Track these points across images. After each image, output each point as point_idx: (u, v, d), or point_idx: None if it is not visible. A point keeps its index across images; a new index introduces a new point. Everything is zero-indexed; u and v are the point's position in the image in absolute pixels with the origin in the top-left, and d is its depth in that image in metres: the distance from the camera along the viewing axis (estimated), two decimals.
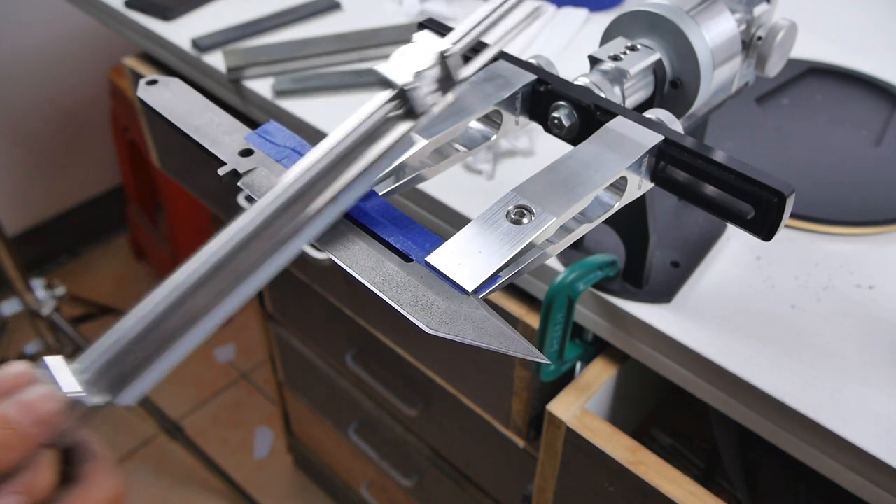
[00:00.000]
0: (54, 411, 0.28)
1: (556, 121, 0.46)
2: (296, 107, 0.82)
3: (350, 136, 0.35)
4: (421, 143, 0.40)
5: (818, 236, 0.67)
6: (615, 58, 0.49)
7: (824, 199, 0.69)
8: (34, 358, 1.63)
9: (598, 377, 0.66)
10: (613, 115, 0.43)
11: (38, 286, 1.55)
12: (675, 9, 0.50)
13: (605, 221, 0.43)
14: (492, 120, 0.47)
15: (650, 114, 0.44)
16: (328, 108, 0.82)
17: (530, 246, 0.35)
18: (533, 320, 0.69)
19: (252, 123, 0.51)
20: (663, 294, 0.61)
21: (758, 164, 0.39)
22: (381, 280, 0.33)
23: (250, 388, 1.78)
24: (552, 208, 0.36)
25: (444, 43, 0.35)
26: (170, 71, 0.99)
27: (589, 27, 0.95)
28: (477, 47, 0.37)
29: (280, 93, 0.83)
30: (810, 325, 0.59)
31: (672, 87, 0.52)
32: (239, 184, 0.39)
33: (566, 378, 0.68)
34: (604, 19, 0.80)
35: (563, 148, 0.43)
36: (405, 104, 0.35)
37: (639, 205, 0.56)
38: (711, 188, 0.41)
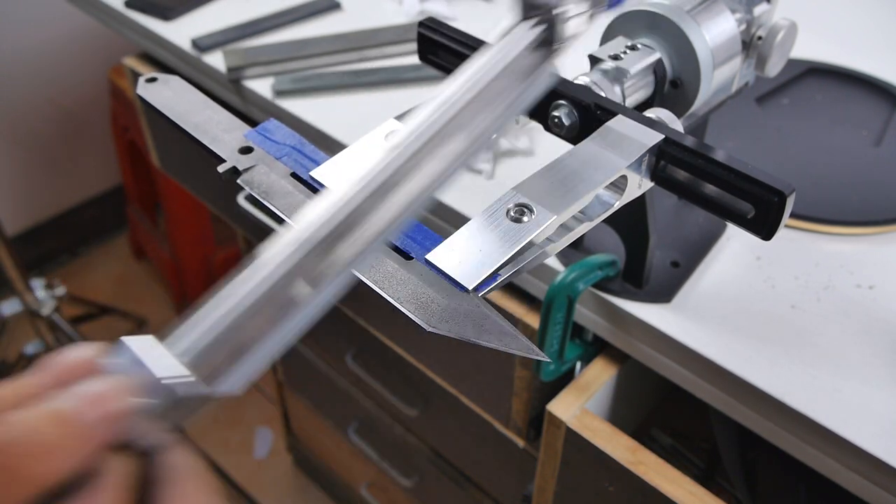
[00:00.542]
0: (126, 404, 0.22)
1: (556, 120, 0.46)
2: (296, 107, 0.82)
3: (496, 66, 0.33)
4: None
5: (818, 236, 0.67)
6: (615, 57, 0.49)
7: (824, 199, 0.69)
8: (33, 358, 1.63)
9: (598, 377, 0.66)
10: (613, 114, 0.43)
11: (38, 286, 1.55)
12: (676, 8, 0.50)
13: (605, 221, 0.43)
14: None
15: (650, 113, 0.44)
16: (328, 108, 0.82)
17: (530, 244, 0.35)
18: (533, 320, 0.69)
19: (252, 123, 0.51)
20: (663, 294, 0.61)
21: (758, 164, 0.39)
22: (381, 277, 0.33)
23: (250, 388, 1.78)
24: (552, 207, 0.36)
25: None
26: (170, 71, 0.99)
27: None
28: None
29: (280, 93, 0.83)
30: (810, 325, 0.59)
31: (672, 87, 0.52)
32: (238, 181, 0.39)
33: (566, 378, 0.68)
34: (604, 19, 0.79)
35: (564, 147, 0.43)
36: (548, 33, 0.33)
37: (639, 204, 0.56)
38: (711, 187, 0.41)
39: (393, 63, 0.88)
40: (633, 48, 0.50)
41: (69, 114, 1.86)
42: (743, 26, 0.55)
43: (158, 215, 1.92)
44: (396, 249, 0.35)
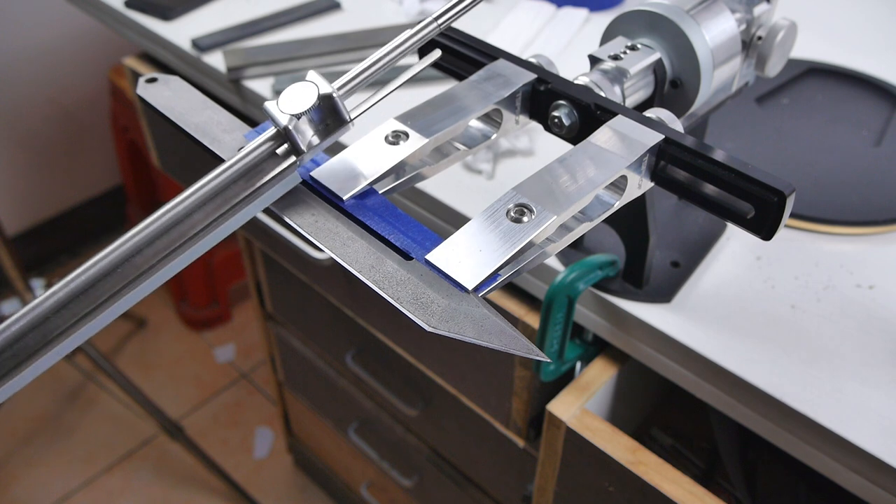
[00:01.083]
0: None
1: (556, 120, 0.46)
2: None
3: (230, 170, 0.35)
4: (421, 141, 0.40)
5: (818, 236, 0.67)
6: (615, 57, 0.49)
7: (824, 199, 0.69)
8: None
9: (598, 377, 0.66)
10: (613, 115, 0.43)
11: (38, 286, 1.55)
12: (676, 8, 0.50)
13: (605, 221, 0.43)
14: (492, 119, 0.47)
15: (650, 113, 0.44)
16: None
17: (530, 244, 0.35)
18: (533, 320, 0.69)
19: (252, 123, 0.51)
20: (663, 294, 0.61)
21: (758, 164, 0.39)
22: (382, 278, 0.33)
23: (250, 388, 1.78)
24: (552, 207, 0.36)
25: (329, 86, 0.36)
26: (170, 71, 0.99)
27: (589, 27, 0.95)
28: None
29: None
30: (810, 325, 0.59)
31: (672, 87, 0.52)
32: None
33: (566, 378, 0.68)
34: (604, 19, 0.80)
35: (564, 147, 0.43)
36: (287, 142, 0.36)
37: (639, 204, 0.56)
38: (711, 188, 0.41)
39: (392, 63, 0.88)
40: (633, 48, 0.50)
41: (69, 114, 1.86)
42: (743, 26, 0.55)
43: None
44: (396, 250, 0.35)
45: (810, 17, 0.93)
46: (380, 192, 0.40)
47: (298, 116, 0.35)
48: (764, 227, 0.40)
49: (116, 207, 2.04)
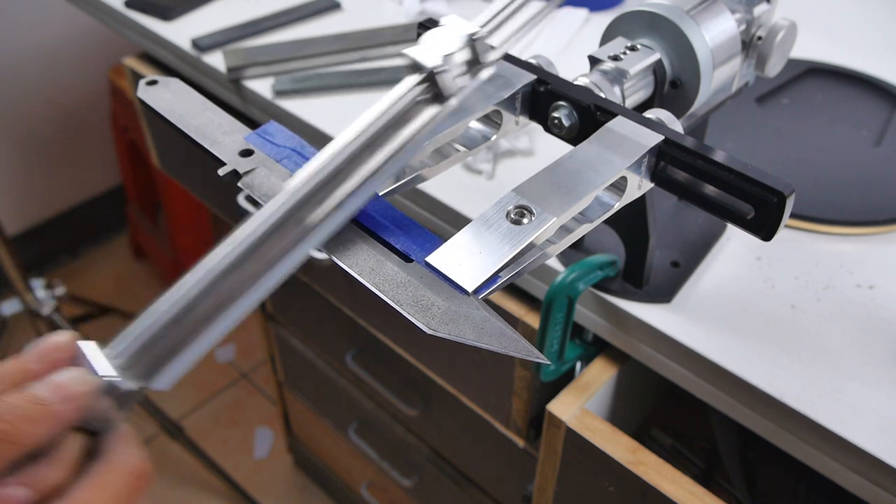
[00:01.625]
0: (85, 392, 0.29)
1: (556, 121, 0.46)
2: (296, 107, 0.82)
3: (379, 120, 0.35)
4: None
5: (818, 236, 0.67)
6: (615, 58, 0.49)
7: (824, 199, 0.69)
8: None
9: (598, 377, 0.66)
10: (613, 115, 0.43)
11: (38, 286, 1.55)
12: (675, 9, 0.50)
13: (605, 221, 0.43)
14: (492, 120, 0.47)
15: (650, 114, 0.44)
16: (328, 108, 0.82)
17: (530, 246, 0.35)
18: (533, 320, 0.69)
19: (252, 123, 0.51)
20: (663, 294, 0.61)
21: (758, 164, 0.39)
22: (382, 280, 0.33)
23: (250, 388, 1.78)
24: (552, 208, 0.36)
25: (473, 26, 0.36)
26: (170, 71, 0.99)
27: (589, 27, 0.95)
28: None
29: (280, 93, 0.83)
30: (810, 325, 0.59)
31: (672, 87, 0.52)
32: (239, 184, 0.39)
33: (566, 378, 0.68)
34: (604, 19, 0.79)
35: (563, 148, 0.43)
36: (434, 88, 0.35)
37: (639, 205, 0.56)
38: (711, 188, 0.41)
39: (393, 63, 0.88)
40: (632, 49, 0.50)
41: (69, 114, 1.86)
42: (743, 26, 0.55)
43: (158, 215, 1.92)
44: (396, 252, 0.35)
45: (810, 17, 0.93)
46: (380, 193, 0.40)
47: (447, 57, 0.34)
48: (764, 228, 0.40)
49: (116, 207, 2.04)
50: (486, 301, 0.33)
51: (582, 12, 0.96)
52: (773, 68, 0.57)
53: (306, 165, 0.34)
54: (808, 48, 0.87)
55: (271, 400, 1.75)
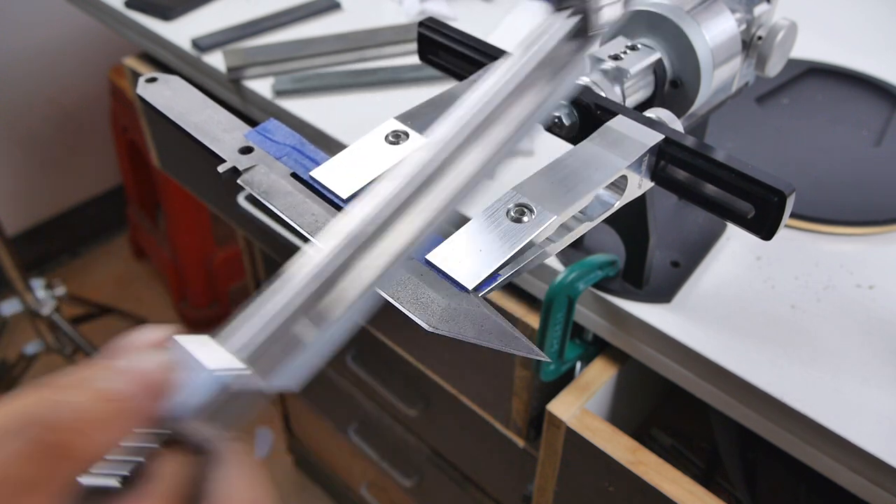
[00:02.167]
0: (170, 381, 0.22)
1: (556, 120, 0.46)
2: (296, 107, 0.82)
3: (534, 57, 0.33)
4: (421, 141, 0.40)
5: (818, 236, 0.67)
6: (615, 57, 0.49)
7: (824, 199, 0.69)
8: (33, 358, 1.63)
9: (598, 377, 0.66)
10: (613, 115, 0.43)
11: (38, 286, 1.55)
12: (676, 8, 0.50)
13: (605, 221, 0.43)
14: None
15: (650, 113, 0.44)
16: (328, 108, 0.82)
17: (530, 244, 0.35)
18: (533, 320, 0.69)
19: (252, 123, 0.51)
20: (663, 294, 0.61)
21: (758, 164, 0.39)
22: None
23: None
24: (552, 207, 0.36)
25: None
26: (170, 71, 0.99)
27: None
28: None
29: (280, 93, 0.83)
30: (810, 325, 0.59)
31: (672, 87, 0.52)
32: (238, 181, 0.39)
33: (566, 378, 0.68)
34: None
35: (564, 147, 0.43)
36: (581, 21, 0.34)
37: (639, 204, 0.56)
38: (712, 187, 0.41)
39: (393, 63, 0.88)
40: (633, 48, 0.50)
41: (69, 114, 1.86)
42: (743, 26, 0.55)
43: (158, 215, 1.92)
44: None
45: (810, 17, 0.93)
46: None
47: None
48: (764, 227, 0.40)
49: (116, 207, 2.04)
50: (486, 300, 0.33)
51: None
52: (774, 68, 0.57)
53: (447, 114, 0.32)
54: (808, 48, 0.87)
55: (271, 400, 1.75)
